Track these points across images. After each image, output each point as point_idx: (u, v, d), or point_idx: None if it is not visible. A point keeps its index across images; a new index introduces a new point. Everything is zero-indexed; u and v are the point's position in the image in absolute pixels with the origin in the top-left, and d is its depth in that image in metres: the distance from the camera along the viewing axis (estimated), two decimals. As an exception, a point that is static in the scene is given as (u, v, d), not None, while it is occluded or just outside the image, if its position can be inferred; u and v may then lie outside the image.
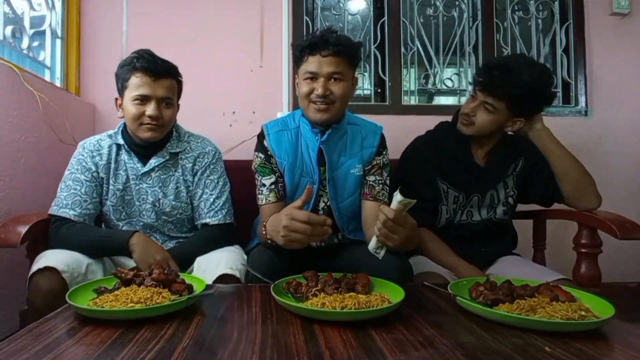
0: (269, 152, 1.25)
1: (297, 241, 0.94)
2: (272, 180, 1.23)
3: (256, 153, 1.28)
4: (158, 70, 1.18)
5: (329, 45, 1.14)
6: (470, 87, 2.03)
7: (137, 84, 1.17)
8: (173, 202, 1.27)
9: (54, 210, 1.18)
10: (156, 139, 1.23)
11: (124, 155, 1.26)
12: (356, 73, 1.25)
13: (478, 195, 1.35)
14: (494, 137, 1.34)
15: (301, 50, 1.18)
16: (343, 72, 1.17)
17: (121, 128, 1.29)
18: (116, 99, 1.26)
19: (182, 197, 1.28)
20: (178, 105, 1.31)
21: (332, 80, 1.17)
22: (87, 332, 0.69)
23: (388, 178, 1.30)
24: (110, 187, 1.24)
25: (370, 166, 1.27)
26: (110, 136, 1.28)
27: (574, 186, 1.27)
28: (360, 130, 1.29)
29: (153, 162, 1.25)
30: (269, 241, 1.07)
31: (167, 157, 1.27)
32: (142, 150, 1.26)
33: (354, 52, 1.19)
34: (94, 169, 1.22)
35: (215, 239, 1.28)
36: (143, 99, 1.18)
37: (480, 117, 1.27)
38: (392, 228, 0.92)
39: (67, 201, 1.17)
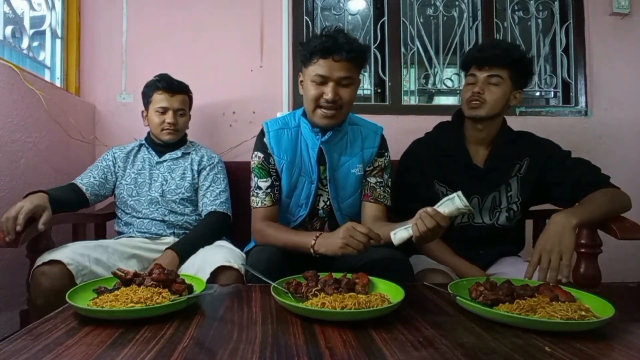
0: (268, 151, 1.25)
1: (353, 246, 1.00)
2: (269, 183, 1.24)
3: (255, 152, 1.28)
4: (174, 88, 1.52)
5: (343, 51, 1.10)
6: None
7: (158, 99, 1.51)
8: (178, 182, 1.50)
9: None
10: (173, 140, 1.55)
11: (143, 150, 1.57)
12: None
13: (478, 197, 1.34)
14: (494, 127, 1.33)
15: (312, 52, 1.14)
16: (353, 77, 1.15)
17: (145, 136, 1.62)
18: (142, 112, 1.58)
19: (186, 179, 1.52)
20: (189, 116, 1.62)
21: (341, 85, 1.15)
22: (87, 332, 0.69)
23: (389, 180, 1.30)
24: (127, 171, 1.52)
25: (371, 167, 1.27)
26: (138, 141, 1.61)
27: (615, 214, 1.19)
28: (360, 130, 1.29)
29: (167, 155, 1.55)
30: (311, 250, 1.08)
31: (179, 155, 1.56)
32: (160, 147, 1.57)
33: (365, 56, 1.17)
34: (110, 159, 1.53)
35: (219, 225, 1.46)
36: (163, 110, 1.50)
37: (489, 93, 1.26)
38: (437, 231, 0.97)
39: (82, 175, 1.48)
